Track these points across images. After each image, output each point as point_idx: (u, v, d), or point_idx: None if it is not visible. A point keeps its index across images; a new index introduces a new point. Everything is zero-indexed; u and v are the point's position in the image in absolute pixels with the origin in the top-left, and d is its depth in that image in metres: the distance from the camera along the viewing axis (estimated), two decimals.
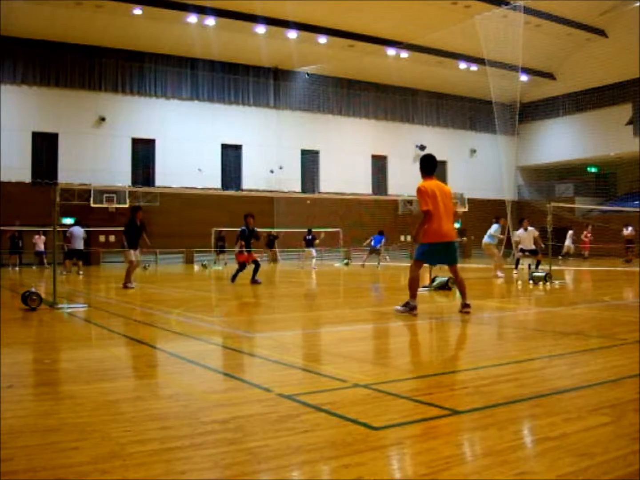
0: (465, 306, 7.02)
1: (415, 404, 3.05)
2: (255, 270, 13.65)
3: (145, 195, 30.33)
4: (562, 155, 37.70)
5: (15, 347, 5.14)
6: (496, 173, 35.52)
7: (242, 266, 13.83)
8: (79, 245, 18.37)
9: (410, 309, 6.92)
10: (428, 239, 7.01)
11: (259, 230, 14.47)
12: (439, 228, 6.95)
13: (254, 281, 13.39)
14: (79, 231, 18.42)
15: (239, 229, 14.14)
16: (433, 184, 7.15)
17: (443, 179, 39.78)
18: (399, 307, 7.03)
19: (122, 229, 13.35)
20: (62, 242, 18.03)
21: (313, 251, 24.13)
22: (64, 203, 21.09)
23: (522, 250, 17.71)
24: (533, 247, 16.96)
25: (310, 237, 24.23)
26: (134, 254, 12.81)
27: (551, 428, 2.60)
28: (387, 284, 14.62)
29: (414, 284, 7.08)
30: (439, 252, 7.11)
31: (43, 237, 23.91)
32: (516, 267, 18.64)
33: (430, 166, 7.31)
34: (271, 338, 5.61)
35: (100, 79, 30.91)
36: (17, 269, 23.91)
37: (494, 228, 17.04)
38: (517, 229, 21.56)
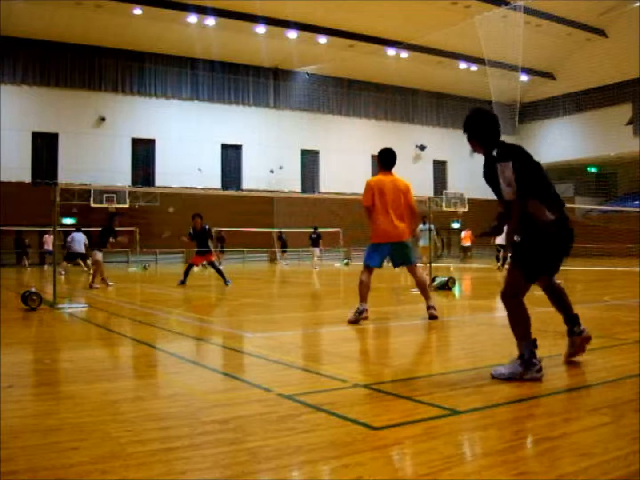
0: (429, 308, 6.50)
1: (415, 404, 3.05)
2: (219, 272, 13.29)
3: (145, 195, 30.34)
4: (562, 155, 37.72)
5: (15, 347, 5.14)
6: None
7: (188, 267, 13.68)
8: (80, 248, 18.50)
9: (359, 313, 6.36)
10: (372, 239, 6.58)
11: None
12: (383, 227, 6.46)
13: (225, 282, 12.98)
14: (80, 237, 18.61)
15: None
16: (386, 179, 6.63)
17: (443, 179, 39.79)
18: (351, 316, 6.39)
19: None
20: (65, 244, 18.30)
21: (317, 250, 24.19)
22: (64, 203, 21.16)
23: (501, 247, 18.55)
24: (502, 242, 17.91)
25: (315, 235, 24.25)
26: (99, 255, 13.04)
27: (551, 428, 2.60)
28: (387, 284, 14.61)
29: (361, 288, 6.52)
30: (385, 252, 6.59)
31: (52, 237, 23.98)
32: (504, 264, 19.10)
33: (387, 160, 6.75)
34: (271, 338, 5.60)
35: (100, 79, 30.92)
36: (28, 268, 24.09)
37: (425, 228, 16.04)
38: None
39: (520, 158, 3.75)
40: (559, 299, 4.11)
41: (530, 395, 3.23)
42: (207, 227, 13.61)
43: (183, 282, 13.07)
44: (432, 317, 6.40)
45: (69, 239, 18.57)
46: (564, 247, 3.80)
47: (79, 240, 18.52)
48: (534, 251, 3.66)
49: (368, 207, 6.51)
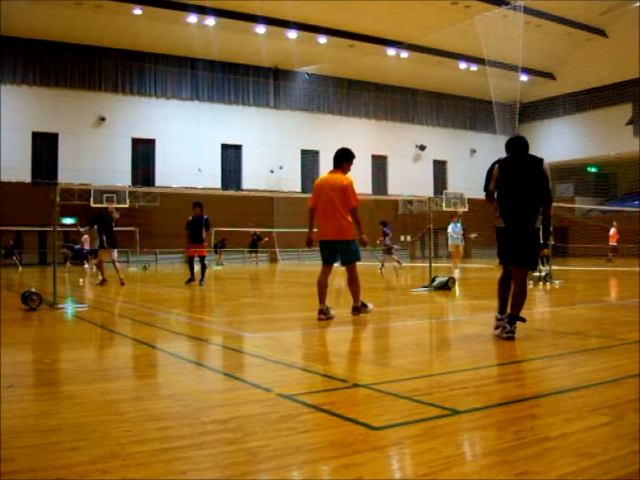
0: (355, 310, 6.66)
1: (415, 404, 3.05)
2: (203, 270, 13.00)
3: (145, 195, 30.33)
4: (562, 155, 37.70)
5: (15, 347, 5.14)
6: None
7: (189, 262, 13.41)
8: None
9: (324, 313, 6.53)
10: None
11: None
12: (320, 226, 6.69)
13: (200, 281, 12.71)
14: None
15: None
16: (328, 177, 6.86)
17: (443, 179, 39.78)
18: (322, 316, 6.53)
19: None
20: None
21: None
22: (64, 203, 21.12)
23: None
24: None
25: None
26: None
27: (551, 428, 2.60)
28: (387, 284, 14.62)
29: (318, 288, 6.70)
30: (327, 251, 6.77)
31: (86, 236, 23.58)
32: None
33: (337, 158, 7.05)
34: (271, 338, 5.60)
35: (100, 79, 30.94)
36: (20, 267, 24.11)
37: (455, 227, 17.32)
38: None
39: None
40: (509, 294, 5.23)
41: (530, 395, 3.23)
42: (205, 217, 13.00)
43: (191, 280, 12.95)
44: (356, 314, 6.61)
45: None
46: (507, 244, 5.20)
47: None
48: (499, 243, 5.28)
49: (309, 208, 6.80)
